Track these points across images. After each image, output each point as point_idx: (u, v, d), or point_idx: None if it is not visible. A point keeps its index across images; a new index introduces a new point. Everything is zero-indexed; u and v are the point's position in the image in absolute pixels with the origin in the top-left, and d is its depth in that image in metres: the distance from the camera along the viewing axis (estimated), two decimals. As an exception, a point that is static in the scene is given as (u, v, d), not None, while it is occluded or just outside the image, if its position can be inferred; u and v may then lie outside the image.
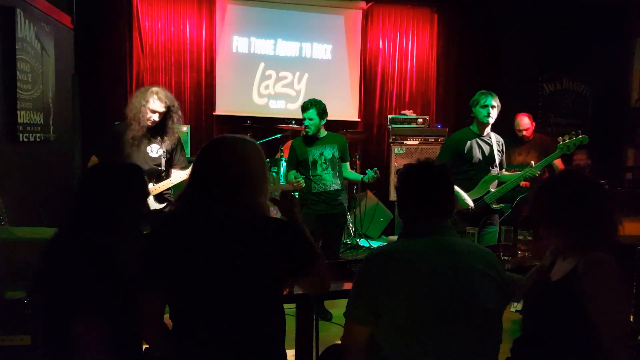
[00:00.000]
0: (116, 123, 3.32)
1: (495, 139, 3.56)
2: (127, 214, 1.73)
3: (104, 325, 1.54)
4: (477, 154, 3.47)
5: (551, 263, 1.75)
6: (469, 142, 3.49)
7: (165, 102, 3.25)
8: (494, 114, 3.44)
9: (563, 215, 1.65)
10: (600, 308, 1.51)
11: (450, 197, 1.72)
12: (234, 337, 1.57)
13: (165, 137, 3.33)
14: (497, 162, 3.53)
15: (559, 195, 1.68)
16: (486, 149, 3.50)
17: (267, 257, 1.56)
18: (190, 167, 1.69)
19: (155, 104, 3.21)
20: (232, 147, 1.65)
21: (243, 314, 1.57)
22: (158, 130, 3.31)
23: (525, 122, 4.80)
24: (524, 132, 4.82)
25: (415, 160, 1.76)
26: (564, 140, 3.38)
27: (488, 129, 3.54)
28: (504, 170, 3.63)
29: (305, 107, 3.71)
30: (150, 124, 3.24)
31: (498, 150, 3.55)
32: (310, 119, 3.69)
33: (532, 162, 3.45)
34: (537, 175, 3.39)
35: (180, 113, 3.38)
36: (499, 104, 3.47)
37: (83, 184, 1.77)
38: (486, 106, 3.44)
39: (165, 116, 3.27)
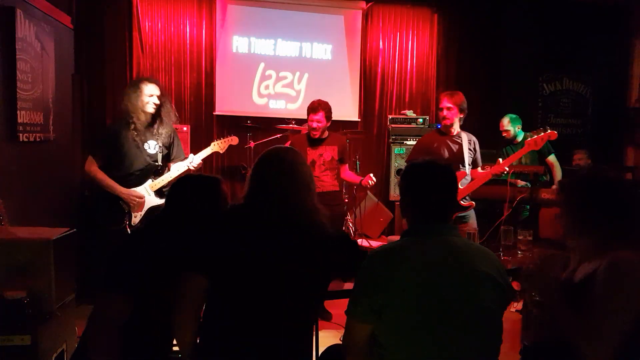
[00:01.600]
0: (109, 122, 3.43)
1: (466, 138, 3.62)
2: (207, 214, 1.89)
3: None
4: (445, 153, 3.56)
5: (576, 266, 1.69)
6: (436, 142, 3.60)
7: (158, 86, 3.39)
8: (449, 114, 3.54)
9: (592, 215, 1.60)
10: (614, 309, 1.45)
11: (452, 197, 1.71)
12: (267, 342, 1.62)
13: (161, 130, 3.39)
14: (468, 160, 3.59)
15: (587, 195, 1.63)
16: (454, 147, 3.59)
17: (325, 265, 1.67)
18: (249, 175, 1.82)
19: (149, 88, 3.34)
20: (287, 156, 1.78)
21: (283, 321, 1.64)
22: (153, 123, 3.39)
23: (503, 123, 4.92)
24: (503, 134, 4.96)
25: (419, 159, 1.76)
26: (531, 136, 3.45)
27: (456, 128, 3.62)
28: (479, 168, 3.69)
29: (315, 109, 3.69)
30: (153, 109, 3.34)
31: (469, 149, 3.61)
32: (319, 122, 3.69)
33: (499, 160, 3.49)
34: (505, 172, 3.47)
35: (170, 102, 3.51)
36: (459, 102, 3.54)
37: (172, 191, 2.03)
38: (441, 109, 3.59)
39: (159, 105, 3.38)
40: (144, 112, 3.33)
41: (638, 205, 1.61)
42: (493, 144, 5.04)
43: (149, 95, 3.33)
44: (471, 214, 3.59)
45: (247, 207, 1.72)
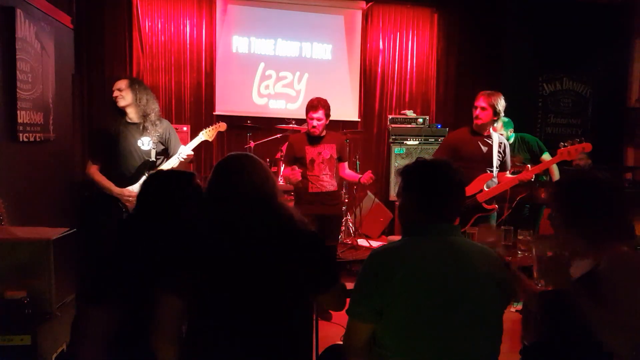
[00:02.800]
0: (102, 124, 3.49)
1: (497, 140, 3.55)
2: (181, 211, 1.84)
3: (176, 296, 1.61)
4: (473, 153, 3.48)
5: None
6: (465, 140, 3.52)
7: (125, 79, 3.48)
8: (482, 114, 3.46)
9: (584, 215, 1.65)
10: (628, 299, 1.48)
11: (456, 196, 1.69)
12: (255, 346, 1.58)
13: (152, 126, 3.40)
14: (496, 162, 3.51)
15: (576, 195, 1.68)
16: (484, 148, 3.51)
17: (297, 266, 1.61)
18: (208, 179, 1.77)
19: (116, 84, 3.44)
20: (242, 158, 1.73)
21: (267, 323, 1.60)
22: (139, 119, 3.43)
23: (496, 127, 4.86)
24: None
25: (420, 158, 1.75)
26: (564, 145, 3.36)
27: (488, 129, 3.53)
28: (507, 172, 3.61)
29: (315, 107, 3.67)
30: (120, 102, 3.39)
31: (499, 152, 3.53)
32: (319, 119, 3.67)
33: (528, 166, 3.45)
34: (532, 179, 3.40)
35: (149, 91, 3.52)
36: (495, 104, 3.45)
37: (143, 188, 1.95)
38: (475, 107, 3.50)
39: (134, 97, 3.41)
40: (118, 108, 3.42)
41: (624, 202, 1.68)
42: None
43: (114, 90, 3.43)
44: (493, 216, 3.54)
45: (218, 207, 1.67)
